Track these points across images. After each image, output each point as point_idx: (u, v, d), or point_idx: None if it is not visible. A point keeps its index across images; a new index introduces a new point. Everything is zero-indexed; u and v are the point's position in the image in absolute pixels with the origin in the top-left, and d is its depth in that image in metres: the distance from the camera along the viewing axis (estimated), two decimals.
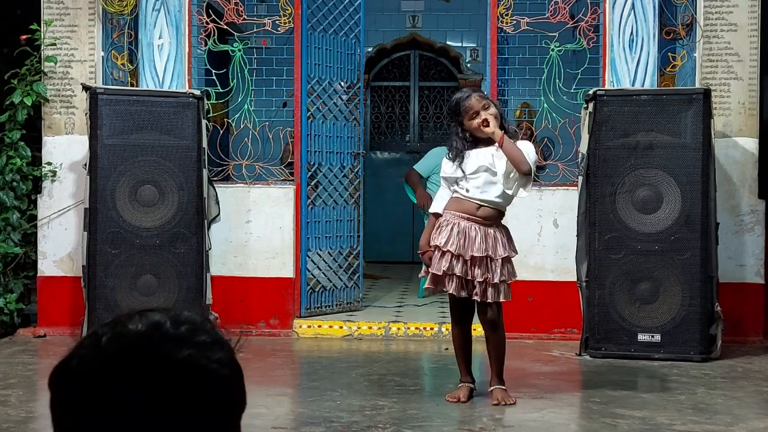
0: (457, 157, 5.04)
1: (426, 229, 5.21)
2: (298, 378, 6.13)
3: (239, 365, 1.23)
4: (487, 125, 4.96)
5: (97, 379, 1.13)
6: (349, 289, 7.64)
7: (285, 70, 7.64)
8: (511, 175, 4.99)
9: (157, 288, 6.56)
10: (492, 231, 4.99)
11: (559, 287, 6.85)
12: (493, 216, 5.02)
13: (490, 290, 4.94)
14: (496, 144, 4.98)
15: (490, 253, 4.94)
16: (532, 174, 5.03)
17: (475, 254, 4.91)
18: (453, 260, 4.93)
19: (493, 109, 5.01)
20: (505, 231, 5.09)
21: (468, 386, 5.14)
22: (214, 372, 1.17)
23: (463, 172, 5.01)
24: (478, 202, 4.99)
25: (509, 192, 5.02)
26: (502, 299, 4.99)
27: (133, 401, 1.12)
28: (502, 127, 5.02)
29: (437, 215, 5.13)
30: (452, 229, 4.97)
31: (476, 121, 4.99)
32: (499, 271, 4.94)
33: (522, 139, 5.22)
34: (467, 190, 5.00)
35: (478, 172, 5.00)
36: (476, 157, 5.02)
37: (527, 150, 4.99)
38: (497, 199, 4.99)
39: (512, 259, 5.07)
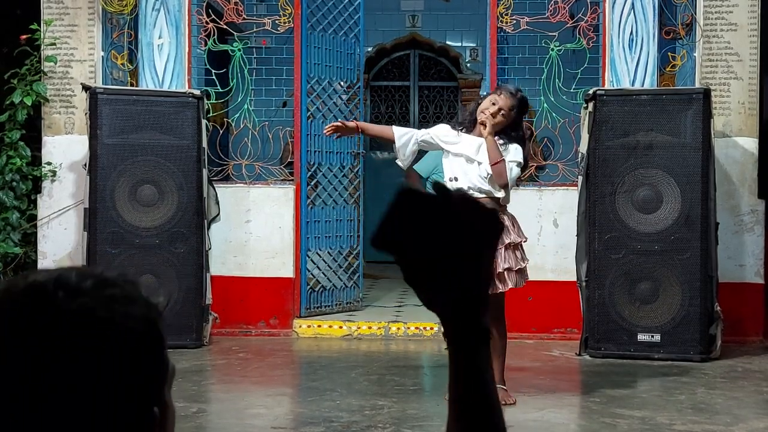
0: (457, 130, 5.05)
1: (373, 125, 5.31)
2: (298, 378, 6.13)
3: (157, 327, 1.05)
4: (484, 126, 4.96)
5: None
6: (349, 289, 7.64)
7: (285, 69, 7.64)
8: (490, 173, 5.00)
9: (157, 288, 6.56)
10: None
11: (559, 287, 6.85)
12: (490, 205, 5.02)
13: (496, 281, 4.94)
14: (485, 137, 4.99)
15: None
16: (509, 188, 5.04)
17: None
18: None
19: (500, 118, 4.97)
20: (510, 217, 5.08)
21: None
22: (114, 322, 1.00)
23: (447, 144, 5.05)
24: (471, 194, 4.99)
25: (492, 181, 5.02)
26: (511, 286, 4.96)
27: (11, 360, 0.98)
28: (510, 135, 5.02)
29: (392, 132, 5.15)
30: None
31: (484, 107, 4.98)
32: (503, 258, 4.94)
33: (524, 139, 5.17)
34: (456, 179, 5.01)
35: (459, 157, 5.01)
36: (465, 142, 5.03)
37: (510, 164, 4.96)
38: (486, 186, 4.99)
39: (522, 244, 5.07)
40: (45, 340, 0.99)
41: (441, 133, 5.13)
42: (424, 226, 1.07)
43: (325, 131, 5.38)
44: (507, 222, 5.03)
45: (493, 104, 4.99)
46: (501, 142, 5.01)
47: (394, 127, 5.29)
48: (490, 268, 1.13)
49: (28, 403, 0.98)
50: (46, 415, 0.99)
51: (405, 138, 5.13)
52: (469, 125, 5.08)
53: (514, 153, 5.01)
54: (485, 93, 5.18)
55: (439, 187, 1.09)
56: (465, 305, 1.11)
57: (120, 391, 1.01)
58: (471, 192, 5.00)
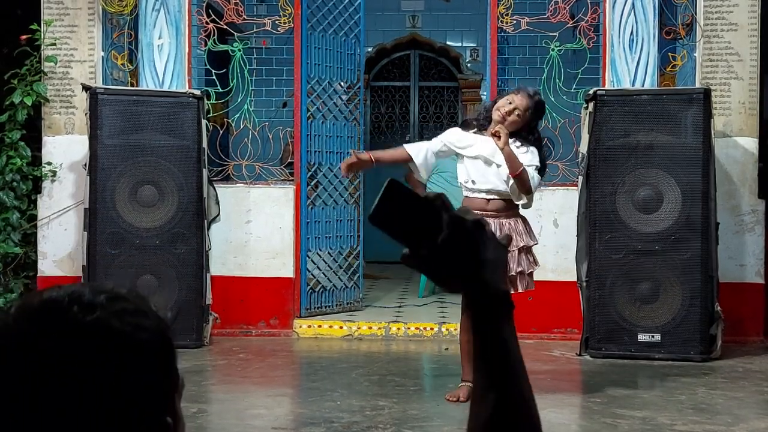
0: (469, 131, 5.02)
1: (386, 151, 5.24)
2: (299, 378, 6.13)
3: (169, 339, 1.10)
4: (498, 138, 4.92)
5: None
6: (349, 289, 7.64)
7: (285, 70, 7.64)
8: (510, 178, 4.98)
9: (157, 288, 6.56)
10: (507, 222, 4.98)
11: (559, 287, 6.85)
12: (504, 207, 5.01)
13: (508, 283, 4.93)
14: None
15: None
16: (532, 193, 5.00)
17: None
18: None
19: (514, 117, 4.95)
20: (523, 220, 5.06)
21: (468, 386, 5.12)
22: (128, 335, 1.04)
23: (462, 149, 5.01)
24: (486, 196, 4.99)
25: (509, 185, 5.00)
26: (521, 290, 4.98)
27: (30, 372, 1.01)
28: (527, 138, 5.00)
29: (407, 152, 5.09)
30: None
31: (500, 105, 4.96)
32: (516, 261, 4.93)
33: (540, 143, 5.14)
34: (473, 182, 4.99)
35: (476, 159, 4.99)
36: (480, 144, 5.01)
37: (532, 171, 4.92)
38: (503, 188, 4.98)
39: (533, 248, 5.07)
40: (61, 354, 1.02)
41: (454, 138, 5.08)
42: (412, 217, 1.14)
43: (342, 172, 5.29)
44: (519, 225, 5.02)
45: (510, 103, 4.98)
46: (518, 144, 4.98)
47: (405, 146, 5.20)
48: (491, 238, 1.18)
49: (47, 416, 1.01)
50: (65, 428, 1.01)
51: (422, 155, 5.06)
52: (484, 122, 5.05)
53: (531, 157, 4.98)
54: (487, 97, 5.15)
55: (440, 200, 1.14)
56: (478, 275, 1.18)
57: (135, 401, 1.04)
58: (489, 195, 4.99)
